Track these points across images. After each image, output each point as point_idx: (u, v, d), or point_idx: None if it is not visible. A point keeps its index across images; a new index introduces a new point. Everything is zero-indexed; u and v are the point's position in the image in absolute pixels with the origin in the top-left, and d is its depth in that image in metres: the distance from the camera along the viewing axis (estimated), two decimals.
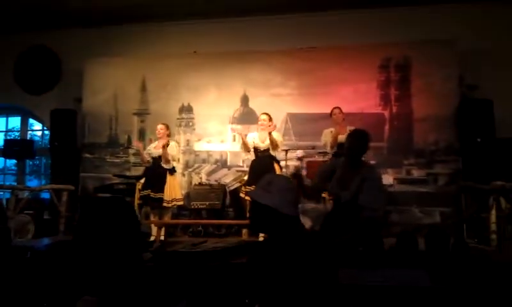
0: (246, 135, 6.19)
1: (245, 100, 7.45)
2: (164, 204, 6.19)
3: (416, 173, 6.81)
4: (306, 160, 6.83)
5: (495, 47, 6.93)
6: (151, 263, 3.41)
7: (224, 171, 7.32)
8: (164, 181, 6.23)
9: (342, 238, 3.52)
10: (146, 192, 6.23)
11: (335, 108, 6.19)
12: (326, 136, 6.11)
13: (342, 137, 5.74)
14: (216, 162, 7.42)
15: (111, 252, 1.55)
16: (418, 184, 6.76)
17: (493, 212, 5.63)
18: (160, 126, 6.47)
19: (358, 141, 3.75)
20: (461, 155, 6.64)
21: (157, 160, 6.34)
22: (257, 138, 6.10)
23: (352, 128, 5.98)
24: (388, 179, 6.79)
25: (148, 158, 6.43)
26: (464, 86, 6.94)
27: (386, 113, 7.07)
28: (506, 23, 7.05)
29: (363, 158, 4.07)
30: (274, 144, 5.95)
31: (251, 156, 6.20)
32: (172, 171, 6.39)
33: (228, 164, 7.37)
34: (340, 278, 2.21)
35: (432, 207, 6.59)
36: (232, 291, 2.40)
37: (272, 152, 6.05)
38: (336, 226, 3.63)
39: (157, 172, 6.28)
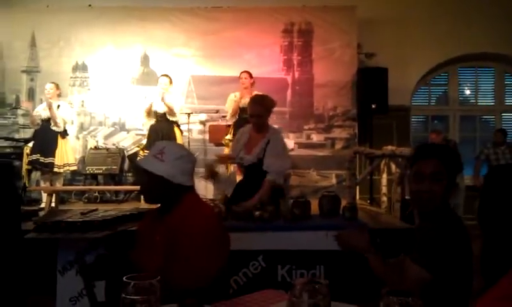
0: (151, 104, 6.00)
1: (145, 59, 7.09)
2: (55, 169, 5.94)
3: (315, 138, 7.01)
4: (208, 124, 6.74)
5: (392, 15, 7.18)
6: (33, 234, 3.15)
7: (123, 134, 6.99)
8: (54, 145, 5.95)
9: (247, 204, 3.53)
10: (35, 157, 5.91)
11: (243, 72, 6.09)
12: (228, 103, 6.05)
13: (245, 102, 5.72)
14: (114, 124, 7.04)
15: None
16: (317, 148, 6.97)
17: (384, 175, 5.99)
18: (49, 86, 6.09)
19: (259, 105, 3.74)
20: (357, 121, 6.93)
21: (46, 122, 6.00)
22: (157, 101, 5.90)
23: (257, 93, 6.00)
24: (289, 143, 6.92)
25: (38, 121, 6.04)
26: (362, 54, 7.19)
27: (289, 78, 7.14)
28: None
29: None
30: (169, 110, 5.83)
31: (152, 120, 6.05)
32: (64, 133, 6.11)
33: (127, 127, 7.02)
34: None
35: (329, 170, 6.87)
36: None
37: (169, 117, 5.90)
38: (245, 192, 3.64)
39: (47, 135, 5.98)
